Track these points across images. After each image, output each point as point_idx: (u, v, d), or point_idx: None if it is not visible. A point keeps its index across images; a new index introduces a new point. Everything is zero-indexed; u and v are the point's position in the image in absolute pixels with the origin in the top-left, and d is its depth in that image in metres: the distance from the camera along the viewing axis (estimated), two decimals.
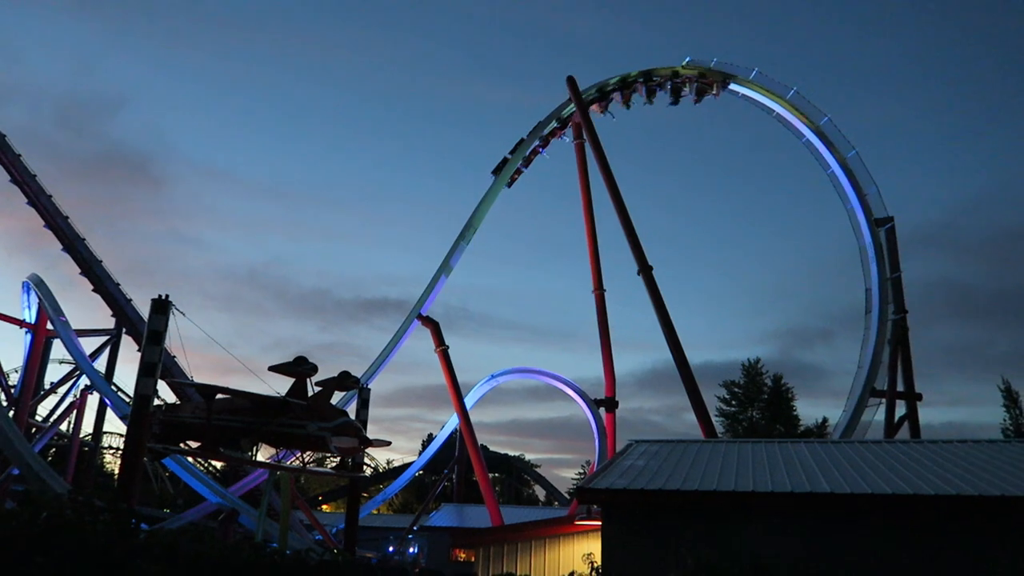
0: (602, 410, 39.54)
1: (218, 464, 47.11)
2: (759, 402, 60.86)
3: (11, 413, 34.64)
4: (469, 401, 42.11)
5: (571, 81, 41.20)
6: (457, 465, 46.83)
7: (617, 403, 39.45)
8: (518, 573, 22.03)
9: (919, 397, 35.03)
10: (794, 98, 41.09)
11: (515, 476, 68.96)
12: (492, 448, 63.60)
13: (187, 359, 21.86)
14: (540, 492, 75.21)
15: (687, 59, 43.59)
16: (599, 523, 16.75)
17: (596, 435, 38.85)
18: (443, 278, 41.05)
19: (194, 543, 6.61)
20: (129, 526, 6.85)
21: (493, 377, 45.07)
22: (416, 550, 42.64)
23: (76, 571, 6.55)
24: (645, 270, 34.31)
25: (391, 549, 43.06)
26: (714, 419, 36.85)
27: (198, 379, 33.92)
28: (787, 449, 18.15)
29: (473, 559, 28.98)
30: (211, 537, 6.83)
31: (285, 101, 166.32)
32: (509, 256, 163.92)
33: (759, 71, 42.27)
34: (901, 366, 35.19)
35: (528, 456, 78.86)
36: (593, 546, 21.88)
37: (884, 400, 34.65)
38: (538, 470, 71.59)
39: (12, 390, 39.37)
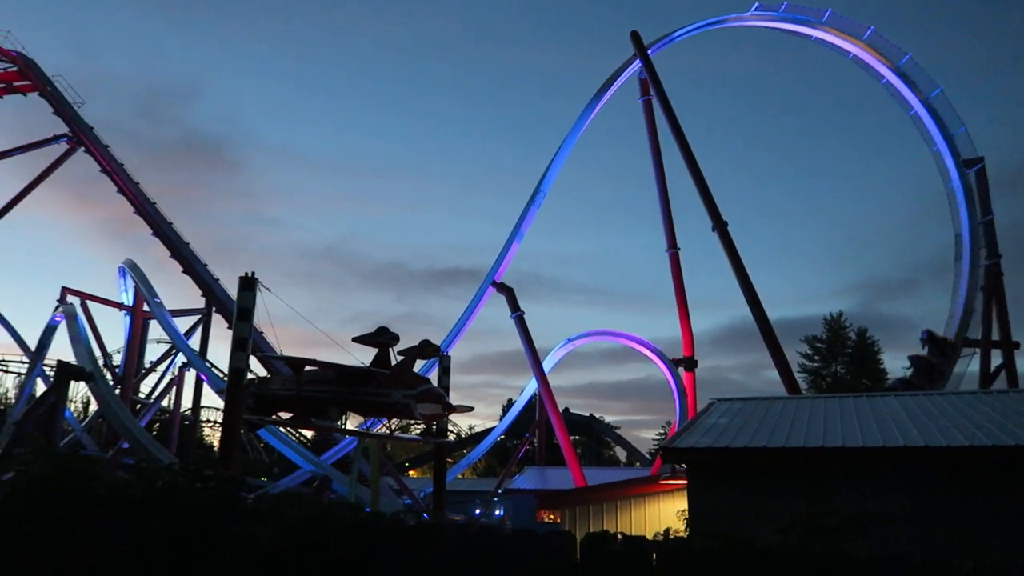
0: (681, 370, 39.21)
1: (308, 433, 49.07)
2: (843, 356, 59.16)
3: (117, 391, 36.85)
4: (547, 365, 42.41)
5: (635, 36, 40.24)
6: (538, 429, 47.36)
7: (696, 362, 39.05)
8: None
9: (1016, 345, 33.47)
10: (872, 38, 39.09)
11: (595, 438, 69.32)
12: (574, 410, 64.02)
13: (275, 334, 22.63)
14: (621, 453, 75.44)
15: (754, 7, 41.93)
16: (684, 482, 16.77)
17: (676, 395, 38.61)
18: (515, 244, 41.18)
19: (296, 507, 6.99)
20: (237, 492, 7.28)
21: (569, 341, 45.21)
22: (502, 512, 43.54)
23: (189, 532, 7.02)
24: (720, 226, 33.58)
25: (477, 512, 44.10)
26: (796, 375, 36.08)
27: (285, 353, 35.17)
28: (876, 403, 17.66)
29: (559, 520, 29.42)
30: (312, 502, 7.19)
31: (350, 78, 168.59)
32: (579, 219, 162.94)
33: (833, 12, 40.33)
34: (996, 314, 33.62)
35: (607, 418, 78.95)
36: (679, 504, 21.91)
37: (978, 350, 33.23)
38: (618, 431, 71.69)
39: (116, 370, 41.81)
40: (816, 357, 59.63)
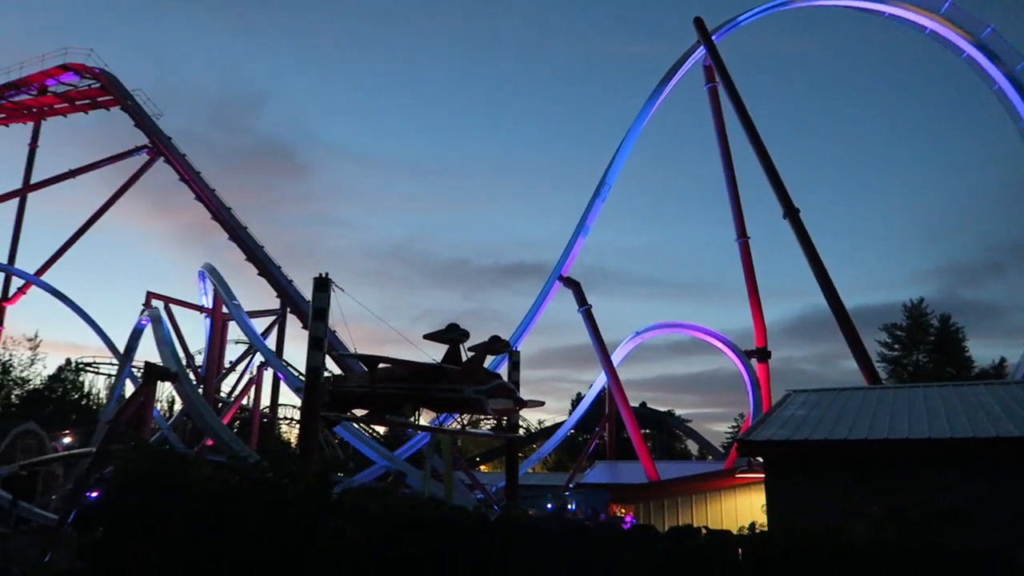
0: (754, 361, 38.41)
1: (381, 429, 50.03)
2: (925, 345, 56.87)
3: (200, 390, 38.33)
4: (615, 359, 42.14)
5: (699, 22, 39.49)
6: (608, 423, 47.14)
7: (769, 353, 38.19)
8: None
9: None
10: (950, 11, 37.35)
11: (666, 432, 68.57)
12: (648, 406, 63.56)
13: (349, 333, 23.13)
14: (692, 447, 74.43)
15: None
16: (762, 476, 16.46)
17: (749, 387, 37.85)
18: (580, 238, 41.03)
19: (381, 502, 7.17)
20: (324, 488, 7.52)
21: (637, 334, 44.82)
22: (574, 506, 43.56)
23: (279, 526, 7.29)
24: (791, 213, 32.69)
25: (549, 506, 44.20)
26: (876, 365, 34.90)
27: (359, 351, 35.93)
28: (964, 392, 16.95)
29: (632, 514, 29.28)
30: (395, 496, 7.37)
31: (412, 79, 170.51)
32: (644, 211, 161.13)
33: None
34: None
35: (677, 411, 78.04)
36: (756, 499, 21.52)
37: None
38: (689, 425, 70.77)
39: (199, 370, 43.50)
40: (896, 346, 57.51)
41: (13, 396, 60.53)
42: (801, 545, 5.76)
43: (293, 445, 67.27)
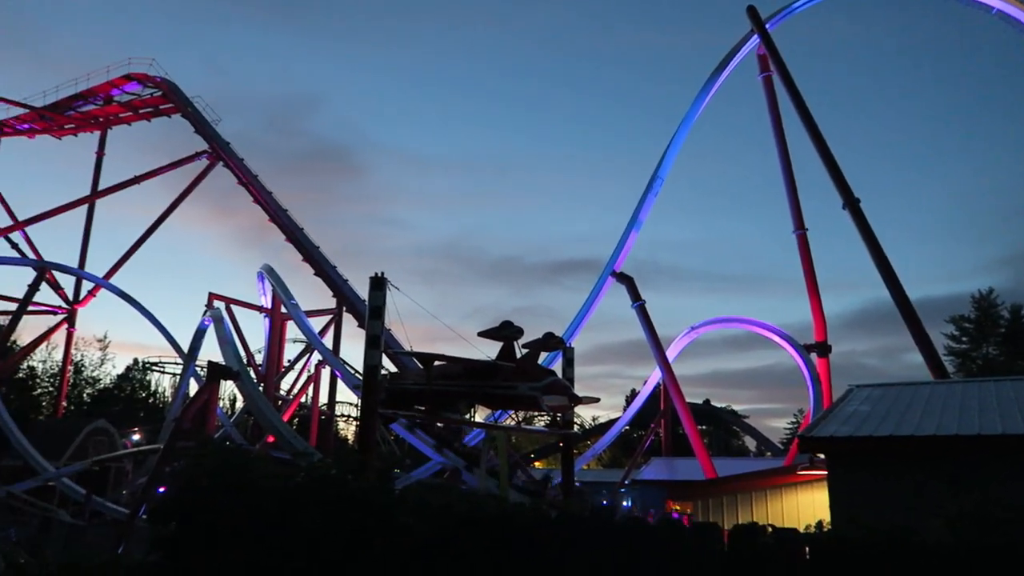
0: (813, 355, 37.56)
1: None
2: (995, 337, 54.76)
3: (260, 388, 39.26)
4: (670, 354, 41.71)
5: (752, 11, 38.78)
6: (663, 419, 46.68)
7: (830, 347, 37.33)
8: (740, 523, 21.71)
9: None
10: None
11: (723, 428, 67.57)
12: (698, 400, 62.75)
13: (405, 331, 23.45)
14: (750, 443, 73.17)
15: None
16: (824, 472, 16.11)
17: (809, 382, 37.02)
18: (633, 233, 40.73)
19: (443, 498, 7.25)
20: (386, 483, 7.63)
21: (692, 329, 44.25)
22: (630, 503, 43.28)
23: (345, 521, 7.43)
24: (851, 203, 31.89)
25: (605, 503, 44.00)
26: (942, 358, 33.79)
27: (413, 349, 36.35)
28: None
29: (689, 511, 28.97)
30: (457, 492, 7.45)
31: (463, 77, 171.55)
32: (697, 205, 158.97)
33: None
34: None
35: (734, 407, 76.71)
36: (818, 496, 21.07)
37: None
38: (746, 420, 69.56)
39: (260, 368, 44.56)
40: (964, 338, 55.54)
41: (85, 395, 63.06)
42: (873, 545, 5.61)
43: (350, 441, 68.55)
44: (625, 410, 54.34)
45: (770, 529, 6.43)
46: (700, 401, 63.93)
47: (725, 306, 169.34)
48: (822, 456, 17.36)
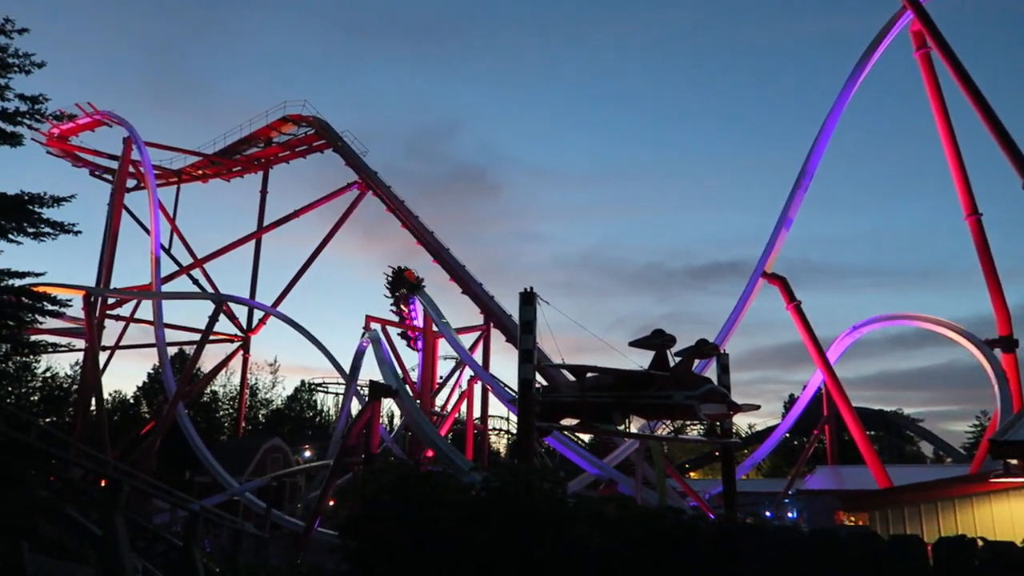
0: (997, 351, 34.26)
1: (586, 437, 50.40)
2: None
3: (417, 404, 40.80)
4: (831, 356, 39.47)
5: None
6: (827, 425, 44.20)
7: (1016, 342, 33.90)
8: (924, 537, 20.04)
9: None
10: None
11: (894, 433, 62.99)
12: (863, 404, 58.94)
13: (556, 343, 23.67)
14: (926, 448, 67.77)
15: None
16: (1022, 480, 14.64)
17: (994, 381, 33.79)
18: (783, 231, 38.94)
19: (619, 509, 7.24)
20: (563, 496, 7.73)
21: (854, 328, 41.69)
22: (795, 515, 41.22)
23: (522, 533, 7.58)
24: None
25: (769, 514, 42.15)
26: None
27: (557, 361, 36.50)
28: None
29: (862, 523, 27.16)
30: (633, 504, 7.41)
31: (594, 88, 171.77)
32: (850, 197, 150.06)
33: None
34: None
35: (905, 410, 71.38)
36: (1016, 507, 19.17)
37: None
38: (921, 424, 64.53)
39: (415, 385, 46.35)
40: None
41: (260, 415, 68.14)
42: None
43: (502, 454, 69.76)
44: (784, 416, 51.90)
45: (981, 542, 5.91)
46: (864, 404, 60.03)
47: (889, 303, 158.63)
48: (1014, 461, 15.82)
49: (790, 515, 41.52)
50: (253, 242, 53.96)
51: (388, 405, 59.40)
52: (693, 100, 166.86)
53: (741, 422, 70.24)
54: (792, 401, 57.74)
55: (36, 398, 54.33)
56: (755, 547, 6.80)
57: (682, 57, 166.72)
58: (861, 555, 6.22)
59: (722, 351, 30.01)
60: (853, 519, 30.82)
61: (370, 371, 41.54)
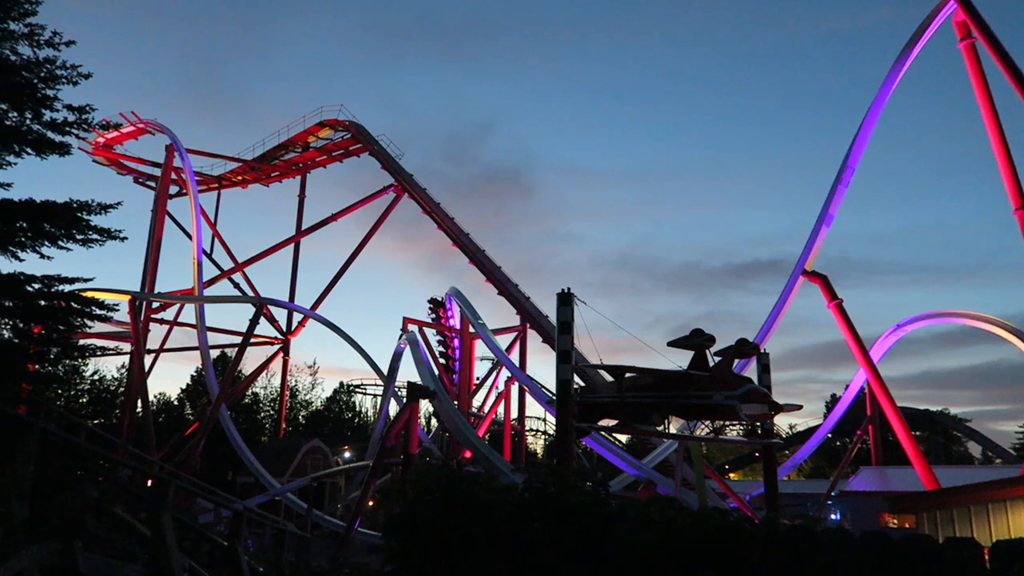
0: None
1: (623, 438, 50.13)
2: None
3: (455, 405, 40.96)
4: (874, 355, 38.75)
5: None
6: (871, 425, 43.37)
7: None
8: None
9: None
10: None
11: (940, 433, 61.55)
12: (908, 404, 57.65)
13: (594, 344, 23.58)
14: (974, 449, 66.08)
15: None
16: None
17: None
18: (823, 228, 38.32)
19: (664, 510, 7.18)
20: (604, 497, 7.69)
21: (898, 327, 40.89)
22: (838, 516, 40.53)
23: (567, 534, 7.55)
24: None
25: (811, 515, 41.47)
26: None
27: (594, 361, 36.38)
28: None
29: (908, 525, 26.59)
30: (679, 506, 7.34)
31: (626, 87, 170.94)
32: (891, 192, 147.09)
33: None
34: None
35: (952, 410, 69.63)
36: None
37: None
38: (968, 424, 62.94)
39: (453, 387, 46.56)
40: None
41: (300, 417, 69.04)
42: None
43: (539, 455, 69.70)
44: (826, 417, 51.07)
45: None
46: (909, 404, 58.71)
47: (933, 300, 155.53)
48: None
49: (833, 517, 40.83)
50: (292, 246, 54.75)
51: (426, 406, 59.85)
52: (730, 96, 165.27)
53: (781, 422, 69.25)
54: (834, 401, 56.85)
55: (84, 400, 55.75)
56: (807, 548, 6.69)
57: (718, 53, 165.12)
58: (916, 558, 6.07)
59: (762, 350, 29.71)
60: (898, 521, 30.19)
61: (408, 372, 41.92)
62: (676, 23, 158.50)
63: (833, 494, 41.29)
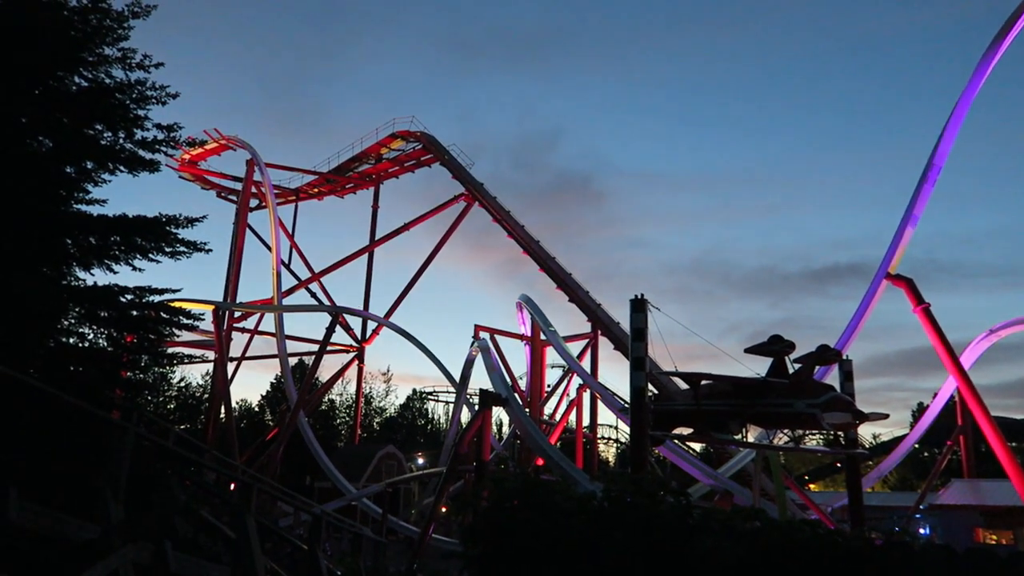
0: None
1: (697, 446, 49.14)
2: None
3: (527, 412, 40.94)
4: (965, 362, 36.92)
5: None
6: (962, 435, 41.30)
7: None
8: None
9: None
10: None
11: None
12: (1003, 413, 54.68)
13: (668, 351, 23.26)
14: None
15: None
16: None
17: None
18: (908, 229, 36.76)
19: (749, 521, 6.97)
20: (687, 507, 7.52)
21: (992, 331, 38.89)
22: (928, 531, 38.70)
23: (649, 543, 7.42)
24: None
25: (896, 530, 39.74)
26: None
27: (668, 369, 35.78)
28: None
29: (1005, 541, 25.20)
30: (765, 517, 7.12)
31: (698, 91, 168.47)
32: (980, 191, 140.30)
33: None
34: None
35: None
36: None
37: None
38: None
39: (524, 394, 46.58)
40: None
41: (375, 423, 70.33)
42: None
43: (610, 464, 69.00)
44: (913, 426, 48.90)
45: None
46: (1007, 414, 55.72)
47: None
48: None
49: (922, 531, 39.03)
50: (366, 255, 55.90)
51: (498, 413, 60.03)
52: (807, 95, 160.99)
53: (865, 432, 66.76)
54: (922, 410, 54.40)
55: (172, 406, 58.16)
56: (904, 565, 6.37)
57: (795, 52, 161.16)
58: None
59: (844, 357, 28.65)
60: (996, 537, 28.63)
61: (480, 380, 42.17)
62: (748, 23, 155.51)
63: (922, 507, 39.49)
